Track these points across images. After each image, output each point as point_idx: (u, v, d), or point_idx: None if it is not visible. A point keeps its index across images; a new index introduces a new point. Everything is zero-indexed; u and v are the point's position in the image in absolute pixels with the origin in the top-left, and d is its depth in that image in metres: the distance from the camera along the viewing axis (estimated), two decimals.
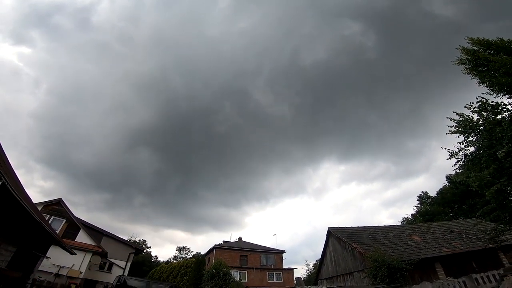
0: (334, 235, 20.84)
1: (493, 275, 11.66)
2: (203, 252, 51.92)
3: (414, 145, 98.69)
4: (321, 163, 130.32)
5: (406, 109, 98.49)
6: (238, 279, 27.37)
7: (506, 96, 12.65)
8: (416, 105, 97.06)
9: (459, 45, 14.50)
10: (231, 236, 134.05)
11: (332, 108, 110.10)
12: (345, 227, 22.16)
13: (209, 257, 34.20)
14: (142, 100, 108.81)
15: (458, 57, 14.53)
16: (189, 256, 74.60)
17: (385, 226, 23.19)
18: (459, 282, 11.69)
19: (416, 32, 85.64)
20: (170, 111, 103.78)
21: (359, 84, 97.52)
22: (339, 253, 20.12)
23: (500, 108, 12.24)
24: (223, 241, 41.62)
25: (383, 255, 14.80)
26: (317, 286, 19.30)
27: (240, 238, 44.54)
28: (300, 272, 59.11)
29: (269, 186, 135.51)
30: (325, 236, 21.85)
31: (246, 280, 30.54)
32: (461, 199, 38.51)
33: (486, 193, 12.06)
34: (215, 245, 34.86)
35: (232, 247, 35.92)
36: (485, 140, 12.06)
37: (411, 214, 50.23)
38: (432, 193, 49.70)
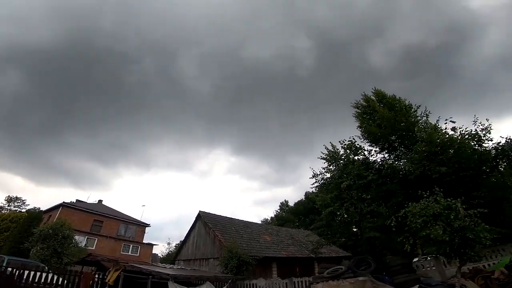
0: (202, 219, 21.44)
1: (306, 281, 13.03)
2: (45, 209, 42.90)
3: (295, 159, 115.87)
4: (216, 149, 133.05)
5: (305, 127, 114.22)
6: (83, 245, 24.12)
7: (368, 143, 16.73)
8: (308, 126, 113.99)
9: (363, 92, 18.10)
10: (90, 196, 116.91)
11: (248, 103, 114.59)
12: (215, 214, 23.19)
13: (50, 215, 28.52)
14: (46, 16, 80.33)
15: (357, 100, 18.15)
16: (23, 210, 59.98)
17: (248, 221, 25.72)
18: (283, 283, 13.71)
19: (347, 68, 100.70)
20: (78, 37, 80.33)
21: (279, 92, 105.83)
22: (203, 238, 20.84)
23: (359, 151, 16.01)
24: (77, 200, 35.71)
25: (237, 247, 16.22)
26: (171, 265, 19.30)
27: (100, 201, 39.49)
28: (160, 249, 57.98)
29: (156, 154, 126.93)
30: (194, 219, 22.20)
31: (93, 248, 27.25)
32: (307, 213, 47.79)
33: (323, 212, 15.49)
34: (63, 202, 29.45)
35: (86, 208, 31.32)
36: (339, 171, 15.37)
37: (271, 217, 58.42)
38: (291, 203, 59.43)
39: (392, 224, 10.72)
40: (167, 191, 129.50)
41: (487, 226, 8.82)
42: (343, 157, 15.99)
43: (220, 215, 23.62)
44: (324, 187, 16.35)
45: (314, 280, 11.85)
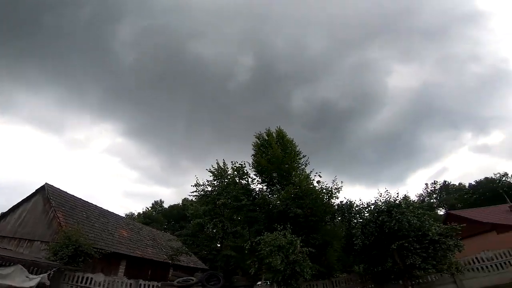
0: (46, 193, 17.36)
1: (154, 286, 12.64)
2: None
3: (187, 164, 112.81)
4: (105, 122, 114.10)
5: (209, 137, 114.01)
6: None
7: (254, 172, 18.29)
8: (213, 136, 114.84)
9: (268, 127, 20.01)
10: None
11: (165, 93, 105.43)
12: (66, 192, 19.27)
13: None
14: None
15: (260, 132, 19.91)
16: None
17: (108, 211, 22.59)
18: (127, 283, 12.67)
19: (271, 99, 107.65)
20: None
21: (203, 94, 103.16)
22: (37, 216, 16.69)
23: (245, 176, 17.29)
24: None
25: (80, 235, 13.86)
26: None
27: None
28: None
29: (31, 103, 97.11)
30: (33, 190, 17.70)
31: None
32: (179, 219, 46.64)
33: (192, 221, 15.59)
34: None
35: None
36: (220, 188, 16.02)
37: (138, 213, 53.46)
38: (167, 205, 56.70)
39: (247, 247, 11.78)
40: (18, 148, 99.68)
41: (310, 264, 10.94)
42: (229, 177, 16.88)
43: (72, 195, 19.80)
44: (203, 198, 16.59)
45: (162, 286, 11.70)
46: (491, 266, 12.50)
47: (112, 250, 15.89)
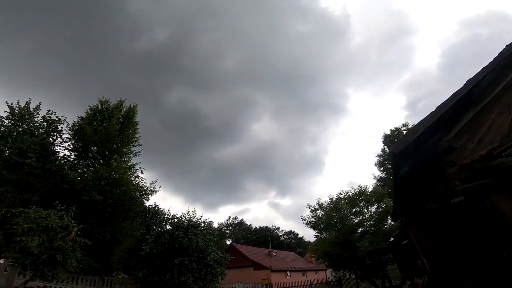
0: None
1: None
2: None
3: None
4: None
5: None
6: None
7: (71, 135, 14.36)
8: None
9: (124, 98, 16.46)
10: None
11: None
12: None
13: None
14: None
15: (109, 99, 15.99)
16: None
17: None
18: None
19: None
20: None
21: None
22: None
23: (57, 133, 13.34)
24: None
25: None
26: None
27: None
28: None
29: None
30: None
31: None
32: None
33: None
34: None
35: None
36: (6, 132, 11.46)
37: None
38: None
39: None
40: None
41: (80, 256, 9.41)
42: (34, 124, 12.57)
43: None
44: None
45: None
46: None
47: None
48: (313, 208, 19.54)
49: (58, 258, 8.41)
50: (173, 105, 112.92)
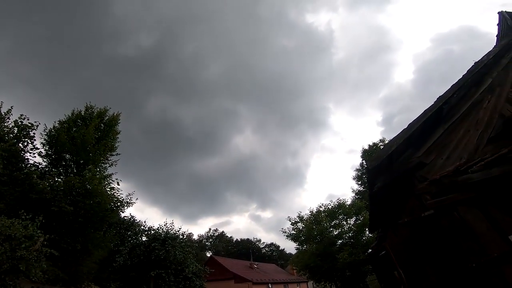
0: None
1: None
2: None
3: None
4: None
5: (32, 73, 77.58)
6: None
7: (45, 141, 13.67)
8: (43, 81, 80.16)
9: (108, 107, 15.91)
10: None
11: None
12: None
13: None
14: None
15: (94, 105, 15.41)
16: None
17: None
18: None
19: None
20: None
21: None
22: None
23: (28, 140, 12.61)
24: None
25: None
26: None
27: None
28: None
29: None
30: None
31: None
32: None
33: None
34: None
35: None
36: None
37: None
38: None
39: None
40: None
41: (45, 266, 8.82)
42: (4, 129, 11.86)
43: None
44: None
45: None
46: None
47: None
48: (293, 221, 19.74)
49: (21, 268, 7.84)
50: (153, 112, 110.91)
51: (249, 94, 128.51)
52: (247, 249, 60.20)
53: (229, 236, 73.74)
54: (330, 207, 19.05)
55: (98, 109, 16.01)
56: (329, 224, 18.46)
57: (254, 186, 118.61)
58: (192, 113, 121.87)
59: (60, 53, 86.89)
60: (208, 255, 46.39)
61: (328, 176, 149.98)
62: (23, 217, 8.71)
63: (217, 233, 72.60)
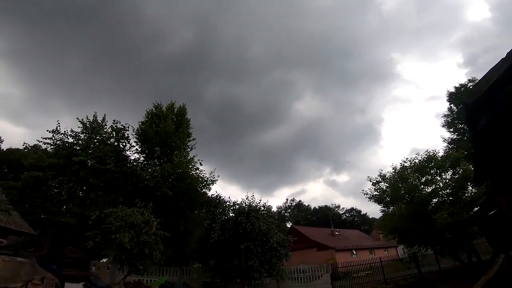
0: None
1: None
2: None
3: (58, 105, 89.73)
4: None
5: (102, 89, 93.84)
6: None
7: (136, 139, 16.24)
8: (113, 92, 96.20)
9: (174, 101, 17.74)
10: None
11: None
12: None
13: None
14: None
15: (160, 102, 17.38)
16: None
17: None
18: None
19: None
20: None
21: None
22: None
23: (124, 140, 15.23)
24: None
25: None
26: None
27: None
28: None
29: None
30: None
31: None
32: (18, 168, 35.45)
33: (26, 173, 12.31)
34: None
35: None
36: (85, 142, 13.20)
37: None
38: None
39: (93, 217, 10.21)
40: None
41: (162, 248, 10.48)
42: (104, 135, 14.41)
43: None
44: (57, 150, 13.39)
45: None
46: (303, 278, 14.83)
47: None
48: (375, 181, 18.01)
49: (146, 252, 9.47)
50: (213, 98, 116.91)
51: (299, 61, 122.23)
52: (326, 216, 59.96)
53: (306, 205, 74.42)
54: (417, 161, 16.80)
55: (166, 105, 18.10)
56: (419, 181, 16.39)
57: (324, 150, 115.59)
58: (249, 91, 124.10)
59: (120, 65, 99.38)
60: (288, 226, 48.22)
61: (407, 128, 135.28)
62: (138, 205, 10.44)
63: (294, 203, 73.92)
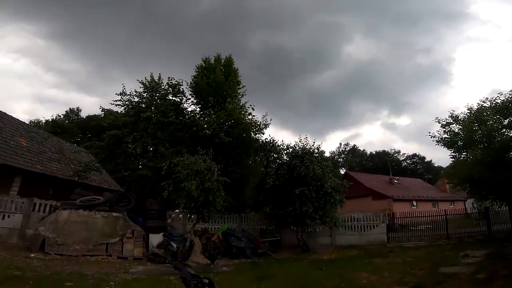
0: None
1: (52, 205, 11.13)
2: None
3: (119, 74, 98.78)
4: (22, 20, 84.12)
5: (156, 50, 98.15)
6: None
7: (191, 92, 17.21)
8: (159, 51, 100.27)
9: (219, 52, 18.07)
10: None
11: None
12: None
13: None
14: None
15: (208, 56, 18.03)
16: None
17: (3, 112, 16.62)
18: (18, 202, 10.73)
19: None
20: None
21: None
22: None
23: (180, 94, 16.54)
24: None
25: None
26: None
27: None
28: None
29: None
30: None
31: None
32: (99, 132, 36.30)
33: (108, 132, 14.39)
34: None
35: None
36: (148, 100, 14.56)
37: (46, 120, 42.03)
38: (85, 114, 49.25)
39: (165, 168, 11.12)
40: None
41: (224, 195, 11.18)
42: (162, 92, 15.58)
43: None
44: (126, 109, 15.08)
45: (61, 206, 10.23)
46: (357, 226, 14.13)
47: (2, 162, 12.27)
48: (445, 122, 15.73)
49: (210, 199, 10.33)
50: (257, 49, 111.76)
51: (343, 3, 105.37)
52: (384, 162, 56.60)
53: (361, 149, 70.40)
54: (499, 101, 13.99)
55: (213, 57, 18.54)
56: (500, 123, 13.84)
57: (380, 92, 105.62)
58: (293, 38, 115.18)
59: (164, 29, 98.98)
60: (342, 172, 46.25)
61: (486, 69, 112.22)
62: (200, 153, 11.30)
63: (348, 148, 69.43)
